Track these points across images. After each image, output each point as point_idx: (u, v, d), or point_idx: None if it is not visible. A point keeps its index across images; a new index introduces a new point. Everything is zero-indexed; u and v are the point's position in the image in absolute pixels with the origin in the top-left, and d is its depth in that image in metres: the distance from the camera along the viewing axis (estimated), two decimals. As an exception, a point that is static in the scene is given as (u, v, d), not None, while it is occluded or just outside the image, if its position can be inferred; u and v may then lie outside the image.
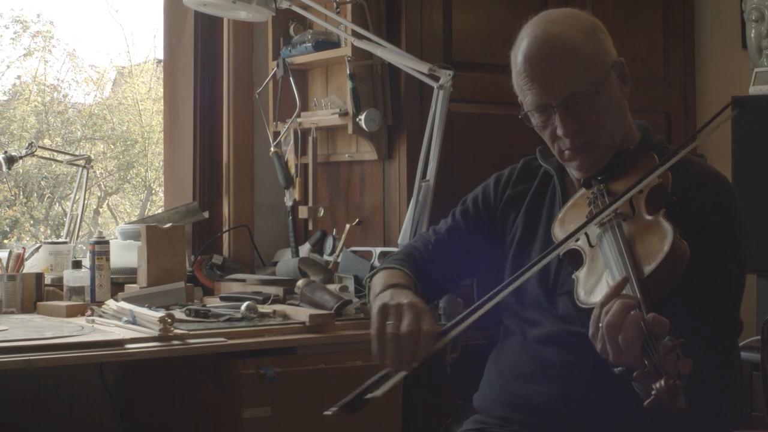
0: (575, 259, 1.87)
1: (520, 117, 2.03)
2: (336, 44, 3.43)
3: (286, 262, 3.35)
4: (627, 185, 1.86)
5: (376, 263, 3.23)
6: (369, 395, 1.78)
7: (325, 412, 1.76)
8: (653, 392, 1.50)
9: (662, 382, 1.50)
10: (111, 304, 2.91)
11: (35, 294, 3.13)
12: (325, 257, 3.40)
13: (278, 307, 2.96)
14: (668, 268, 1.70)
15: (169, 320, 2.62)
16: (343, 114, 3.34)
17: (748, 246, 1.93)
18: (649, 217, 1.81)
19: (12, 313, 3.04)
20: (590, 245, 1.85)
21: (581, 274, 1.83)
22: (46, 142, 5.47)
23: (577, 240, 1.86)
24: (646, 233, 1.77)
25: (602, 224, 1.82)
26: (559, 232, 1.96)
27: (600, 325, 1.63)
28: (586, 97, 1.92)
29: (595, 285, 1.79)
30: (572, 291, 1.87)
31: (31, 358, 2.40)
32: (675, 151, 1.84)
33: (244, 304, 2.88)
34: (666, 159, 1.84)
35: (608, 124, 1.96)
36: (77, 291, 3.10)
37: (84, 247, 3.49)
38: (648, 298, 1.63)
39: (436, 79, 3.12)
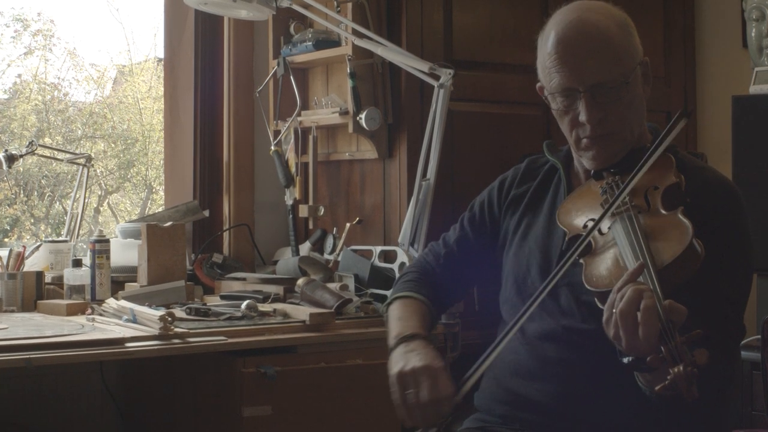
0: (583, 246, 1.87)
1: (543, 98, 2.02)
2: (336, 43, 3.43)
3: (287, 260, 3.35)
4: (642, 181, 1.87)
5: (377, 262, 3.23)
6: None
7: None
8: (669, 377, 1.51)
9: (680, 368, 1.51)
10: (111, 302, 2.91)
11: (35, 292, 3.13)
12: (326, 256, 3.40)
13: (278, 305, 2.96)
14: (685, 261, 1.71)
15: (169, 319, 2.62)
16: (344, 113, 3.34)
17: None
18: (665, 213, 1.81)
19: (12, 311, 3.05)
20: (601, 233, 1.85)
21: (590, 260, 1.83)
22: (47, 140, 5.47)
23: (586, 226, 1.86)
24: (665, 227, 1.78)
25: (617, 213, 1.82)
26: (566, 219, 1.96)
27: (614, 310, 1.63)
28: (614, 88, 1.93)
29: (605, 269, 1.79)
30: (574, 283, 1.88)
31: (31, 356, 2.40)
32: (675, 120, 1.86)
33: (245, 303, 2.88)
34: (666, 133, 1.86)
35: (629, 119, 1.97)
36: (77, 289, 3.10)
37: (84, 246, 3.49)
38: (664, 288, 1.63)
39: (437, 77, 3.12)
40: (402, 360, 1.94)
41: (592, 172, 2.01)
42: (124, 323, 2.74)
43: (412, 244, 3.14)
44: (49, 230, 5.55)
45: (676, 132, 1.87)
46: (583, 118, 1.94)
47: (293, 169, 3.53)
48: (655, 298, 1.60)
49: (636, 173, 1.86)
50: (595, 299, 1.76)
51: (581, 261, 1.84)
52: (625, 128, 1.97)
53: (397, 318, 2.09)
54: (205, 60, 3.68)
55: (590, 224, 1.86)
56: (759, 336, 2.69)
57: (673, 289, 1.68)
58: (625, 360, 1.63)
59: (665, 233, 1.77)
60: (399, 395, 1.90)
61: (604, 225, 1.85)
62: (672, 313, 1.58)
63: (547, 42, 1.98)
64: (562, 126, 2.02)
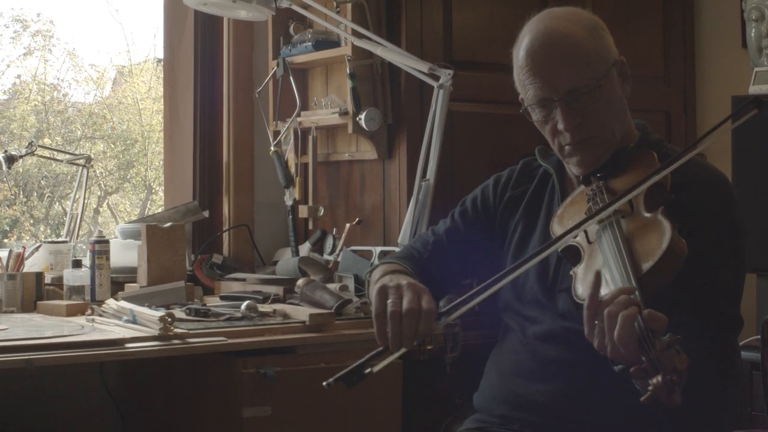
0: (573, 255, 1.87)
1: (521, 111, 2.03)
2: (336, 43, 3.43)
3: (286, 261, 3.35)
4: (626, 182, 1.87)
5: (377, 262, 3.22)
6: (368, 370, 1.75)
7: (324, 383, 1.75)
8: (650, 388, 1.51)
9: (659, 378, 1.50)
10: (111, 303, 2.91)
11: (35, 293, 3.13)
12: (325, 256, 3.40)
13: (278, 306, 2.96)
14: (666, 265, 1.71)
15: (169, 319, 2.62)
16: (343, 113, 3.34)
17: (747, 244, 1.94)
18: (647, 215, 1.81)
19: (12, 312, 3.05)
20: (588, 242, 1.85)
21: (579, 270, 1.83)
22: (46, 141, 5.47)
23: (576, 236, 1.86)
24: (645, 230, 1.78)
25: (601, 221, 1.82)
26: (557, 229, 1.96)
27: (596, 322, 1.63)
28: (588, 93, 1.93)
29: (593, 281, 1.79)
30: (571, 288, 1.88)
31: (31, 357, 2.41)
32: (681, 153, 1.84)
33: (244, 304, 2.88)
34: (671, 161, 1.84)
35: (609, 121, 1.97)
36: (77, 290, 3.10)
37: (84, 247, 3.49)
38: (646, 294, 1.63)
39: (436, 78, 3.12)
40: (387, 279, 1.89)
41: (581, 177, 2.01)
42: (124, 324, 2.74)
43: (411, 244, 3.14)
44: (49, 231, 5.55)
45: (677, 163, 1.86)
46: (561, 126, 1.95)
47: (293, 170, 3.53)
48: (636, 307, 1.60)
49: (629, 190, 1.84)
50: None
51: (571, 273, 1.85)
52: (606, 131, 1.97)
53: (382, 271, 2.05)
54: (204, 60, 3.68)
55: (579, 236, 1.86)
56: (759, 336, 2.69)
57: (658, 292, 1.68)
58: (616, 369, 1.63)
59: (645, 236, 1.77)
60: (377, 305, 1.81)
61: (592, 233, 1.85)
62: (651, 322, 1.56)
63: (518, 55, 2.00)
64: (544, 135, 2.03)
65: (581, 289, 1.79)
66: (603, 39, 1.99)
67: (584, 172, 2.00)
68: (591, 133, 1.96)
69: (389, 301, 1.80)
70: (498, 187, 2.20)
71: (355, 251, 3.31)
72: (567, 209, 2.00)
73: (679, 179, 1.88)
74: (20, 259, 3.18)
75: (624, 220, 1.82)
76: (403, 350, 1.77)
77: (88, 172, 3.59)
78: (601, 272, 1.71)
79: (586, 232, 1.86)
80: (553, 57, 1.94)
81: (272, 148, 3.54)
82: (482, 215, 2.19)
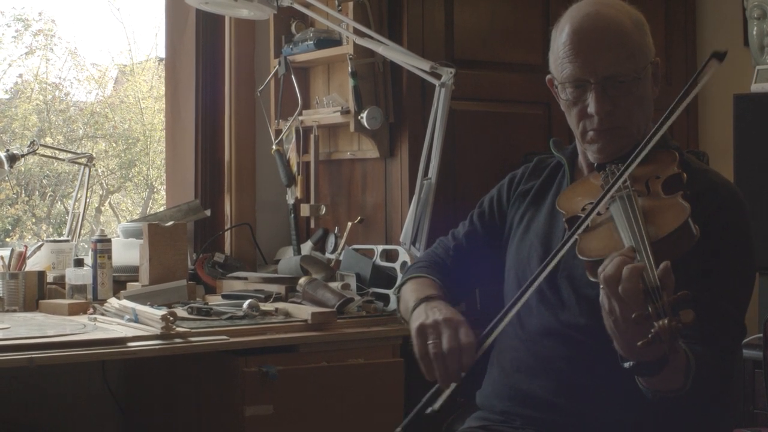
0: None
1: (554, 88, 2.03)
2: (338, 42, 3.43)
3: (288, 260, 3.35)
4: (643, 170, 1.87)
5: (378, 261, 3.23)
6: (429, 409, 1.82)
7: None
8: (652, 331, 1.51)
9: (665, 321, 1.51)
10: (113, 302, 2.91)
11: (37, 292, 3.13)
12: (327, 255, 3.40)
13: (280, 305, 2.96)
14: (679, 238, 1.71)
15: (171, 318, 2.62)
16: (345, 112, 3.34)
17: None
18: (665, 196, 1.83)
19: (14, 311, 3.05)
20: (598, 214, 1.86)
21: (585, 235, 1.83)
22: (48, 140, 5.48)
23: (584, 209, 1.87)
24: (663, 207, 1.79)
25: (616, 195, 1.83)
26: (565, 204, 1.97)
27: (604, 298, 1.63)
28: (625, 82, 1.95)
29: (598, 239, 1.80)
30: (573, 276, 1.91)
31: (33, 356, 2.41)
32: (675, 104, 1.87)
33: (246, 302, 2.88)
34: (668, 115, 1.88)
35: (637, 116, 1.98)
36: (79, 289, 3.10)
37: (86, 246, 3.50)
38: (657, 260, 1.64)
39: (438, 76, 3.12)
40: (423, 315, 1.93)
41: (595, 164, 2.01)
42: (126, 323, 2.75)
43: (413, 243, 3.14)
44: (51, 230, 5.56)
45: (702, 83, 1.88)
46: (592, 109, 1.95)
47: (295, 169, 3.53)
48: (646, 264, 1.61)
49: (649, 140, 1.85)
50: (587, 274, 1.76)
51: (576, 237, 1.84)
52: (633, 124, 1.98)
53: (413, 290, 2.09)
54: (206, 59, 3.68)
55: (588, 207, 1.86)
56: (761, 335, 2.69)
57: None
58: (626, 365, 1.63)
59: (663, 213, 1.78)
60: (420, 346, 1.88)
61: (603, 206, 1.85)
62: (663, 276, 1.57)
63: (562, 33, 1.99)
64: (569, 118, 2.03)
65: (588, 247, 1.79)
66: (647, 36, 2.01)
67: (602, 161, 2.00)
68: (618, 123, 1.97)
69: (429, 342, 1.86)
70: (512, 184, 2.22)
71: (356, 250, 3.31)
72: (576, 188, 2.01)
73: (696, 188, 1.89)
74: (22, 258, 3.19)
75: (641, 198, 1.83)
76: (454, 385, 1.83)
77: (89, 171, 3.59)
78: (613, 234, 1.74)
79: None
80: (600, 40, 1.95)
81: (274, 147, 3.54)
82: (497, 215, 2.21)
